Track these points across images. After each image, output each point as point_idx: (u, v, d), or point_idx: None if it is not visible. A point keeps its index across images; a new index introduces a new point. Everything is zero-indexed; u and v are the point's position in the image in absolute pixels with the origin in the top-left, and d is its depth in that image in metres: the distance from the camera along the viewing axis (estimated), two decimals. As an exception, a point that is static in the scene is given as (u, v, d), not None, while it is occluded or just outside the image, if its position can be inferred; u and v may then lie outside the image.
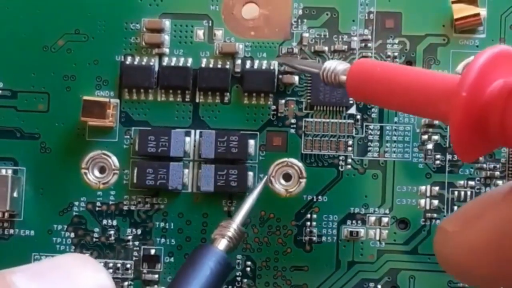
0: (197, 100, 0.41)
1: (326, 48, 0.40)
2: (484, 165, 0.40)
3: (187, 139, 0.40)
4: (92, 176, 0.40)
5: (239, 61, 0.40)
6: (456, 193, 0.40)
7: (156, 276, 0.40)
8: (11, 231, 0.40)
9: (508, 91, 0.28)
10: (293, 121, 0.40)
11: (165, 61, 0.40)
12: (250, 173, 0.40)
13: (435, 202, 0.40)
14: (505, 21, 0.40)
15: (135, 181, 0.40)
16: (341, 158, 0.40)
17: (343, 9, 0.41)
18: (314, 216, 0.40)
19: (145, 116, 0.41)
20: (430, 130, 0.40)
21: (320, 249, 0.40)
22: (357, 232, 0.40)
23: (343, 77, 0.36)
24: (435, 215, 0.40)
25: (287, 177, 0.40)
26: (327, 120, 0.40)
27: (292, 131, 0.40)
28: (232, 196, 0.40)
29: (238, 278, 0.40)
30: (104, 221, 0.40)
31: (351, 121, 0.40)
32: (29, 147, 0.40)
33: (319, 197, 0.40)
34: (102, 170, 0.40)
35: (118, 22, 0.41)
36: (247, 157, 0.40)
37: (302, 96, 0.40)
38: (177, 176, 0.40)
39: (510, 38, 0.40)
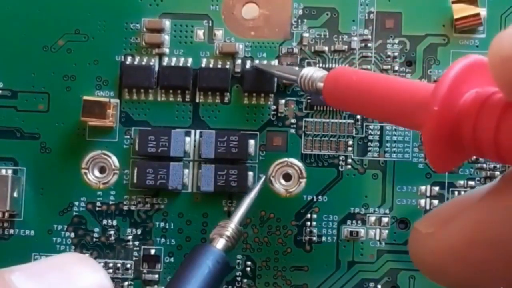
0: (197, 100, 0.41)
1: (326, 48, 0.40)
2: (484, 165, 0.40)
3: (187, 139, 0.40)
4: (92, 176, 0.40)
5: (239, 61, 0.40)
6: (456, 193, 0.40)
7: (156, 276, 0.40)
8: (11, 231, 0.40)
9: (480, 102, 0.28)
10: (293, 121, 0.40)
11: (165, 61, 0.40)
12: (250, 173, 0.40)
13: (435, 202, 0.40)
14: (505, 21, 0.40)
15: (135, 181, 0.40)
16: (341, 158, 0.40)
17: (343, 9, 0.41)
18: (314, 216, 0.40)
19: (145, 116, 0.41)
20: (430, 130, 0.40)
21: (320, 249, 0.40)
22: (357, 232, 0.40)
23: (320, 84, 0.36)
24: (435, 215, 0.40)
25: (287, 177, 0.40)
26: (327, 120, 0.40)
27: (292, 131, 0.40)
28: (232, 196, 0.40)
29: (238, 278, 0.40)
30: (104, 221, 0.40)
31: (351, 121, 0.40)
32: (29, 147, 0.40)
33: (319, 197, 0.40)
34: (102, 170, 0.41)
35: (118, 22, 0.41)
36: (247, 157, 0.40)
37: (302, 96, 0.40)
38: (177, 176, 0.40)
39: (510, 38, 0.40)
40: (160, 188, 0.40)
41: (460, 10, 0.39)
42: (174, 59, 0.40)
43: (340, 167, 0.40)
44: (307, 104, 0.40)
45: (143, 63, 0.40)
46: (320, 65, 0.40)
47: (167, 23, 0.41)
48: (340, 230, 0.40)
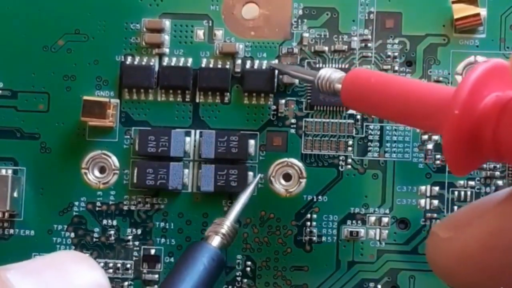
0: (197, 100, 0.41)
1: (326, 48, 0.40)
2: (484, 165, 0.40)
3: (187, 139, 0.40)
4: (92, 176, 0.40)
5: (239, 61, 0.40)
6: (456, 193, 0.40)
7: (156, 276, 0.40)
8: (11, 231, 0.40)
9: (500, 106, 0.28)
10: (293, 121, 0.40)
11: (165, 61, 0.40)
12: (250, 173, 0.40)
13: (435, 202, 0.40)
14: (505, 21, 0.40)
15: (135, 181, 0.40)
16: (341, 158, 0.40)
17: (343, 9, 0.41)
18: (314, 216, 0.40)
19: (145, 116, 0.41)
20: (430, 130, 0.40)
21: (320, 249, 0.40)
22: (357, 232, 0.40)
23: (338, 86, 0.36)
24: (435, 215, 0.40)
25: (287, 177, 0.40)
26: (327, 120, 0.40)
27: (292, 131, 0.40)
28: (232, 196, 0.40)
29: (238, 278, 0.40)
30: (104, 221, 0.40)
31: (351, 121, 0.40)
32: (29, 147, 0.40)
33: (319, 197, 0.40)
34: (102, 170, 0.41)
35: (118, 22, 0.41)
36: (247, 157, 0.40)
37: (302, 96, 0.40)
38: (177, 176, 0.40)
39: (510, 38, 0.40)
40: (160, 188, 0.40)
41: (460, 10, 0.39)
42: (174, 59, 0.40)
43: (340, 167, 0.40)
44: (307, 104, 0.40)
45: (143, 63, 0.40)
46: (320, 65, 0.40)
47: (167, 23, 0.41)
48: (340, 230, 0.40)
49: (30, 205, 0.40)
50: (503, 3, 0.40)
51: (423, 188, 0.40)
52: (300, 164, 0.40)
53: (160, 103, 0.41)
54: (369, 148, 0.40)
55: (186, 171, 0.40)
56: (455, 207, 0.39)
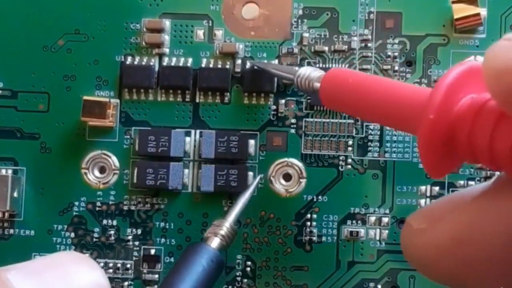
0: (197, 100, 0.41)
1: (326, 48, 0.40)
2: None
3: (187, 139, 0.40)
4: (92, 176, 0.40)
5: (239, 61, 0.40)
6: (456, 193, 0.40)
7: (156, 276, 0.40)
8: (11, 231, 0.40)
9: (475, 108, 0.28)
10: (293, 121, 0.40)
11: (165, 61, 0.40)
12: (250, 173, 0.40)
13: (435, 202, 0.40)
14: (505, 21, 0.40)
15: (135, 181, 0.40)
16: (341, 158, 0.40)
17: (343, 9, 0.41)
18: (314, 216, 0.40)
19: (145, 116, 0.41)
20: (430, 130, 0.40)
21: (320, 249, 0.40)
22: (357, 232, 0.40)
23: (317, 84, 0.36)
24: (435, 215, 0.40)
25: (287, 177, 0.40)
26: (327, 120, 0.40)
27: (292, 131, 0.40)
28: (232, 196, 0.40)
29: (238, 278, 0.40)
30: (104, 221, 0.40)
31: (351, 121, 0.40)
32: (29, 147, 0.40)
33: (319, 197, 0.40)
34: (102, 170, 0.41)
35: (118, 22, 0.41)
36: (247, 157, 0.40)
37: (302, 96, 0.40)
38: (177, 176, 0.40)
39: (510, 38, 0.40)
40: (160, 188, 0.40)
41: (460, 10, 0.39)
42: (174, 59, 0.40)
43: (340, 167, 0.40)
44: (307, 104, 0.40)
45: (143, 63, 0.40)
46: (320, 65, 0.40)
47: (167, 23, 0.41)
48: (340, 230, 0.40)
49: (30, 205, 0.40)
50: (503, 3, 0.40)
51: (423, 188, 0.40)
52: (300, 164, 0.40)
53: (160, 103, 0.41)
54: (369, 148, 0.40)
55: (186, 171, 0.40)
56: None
